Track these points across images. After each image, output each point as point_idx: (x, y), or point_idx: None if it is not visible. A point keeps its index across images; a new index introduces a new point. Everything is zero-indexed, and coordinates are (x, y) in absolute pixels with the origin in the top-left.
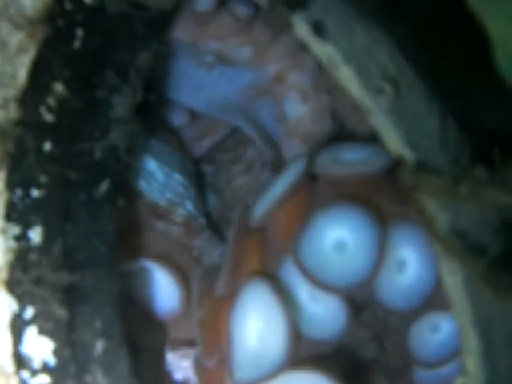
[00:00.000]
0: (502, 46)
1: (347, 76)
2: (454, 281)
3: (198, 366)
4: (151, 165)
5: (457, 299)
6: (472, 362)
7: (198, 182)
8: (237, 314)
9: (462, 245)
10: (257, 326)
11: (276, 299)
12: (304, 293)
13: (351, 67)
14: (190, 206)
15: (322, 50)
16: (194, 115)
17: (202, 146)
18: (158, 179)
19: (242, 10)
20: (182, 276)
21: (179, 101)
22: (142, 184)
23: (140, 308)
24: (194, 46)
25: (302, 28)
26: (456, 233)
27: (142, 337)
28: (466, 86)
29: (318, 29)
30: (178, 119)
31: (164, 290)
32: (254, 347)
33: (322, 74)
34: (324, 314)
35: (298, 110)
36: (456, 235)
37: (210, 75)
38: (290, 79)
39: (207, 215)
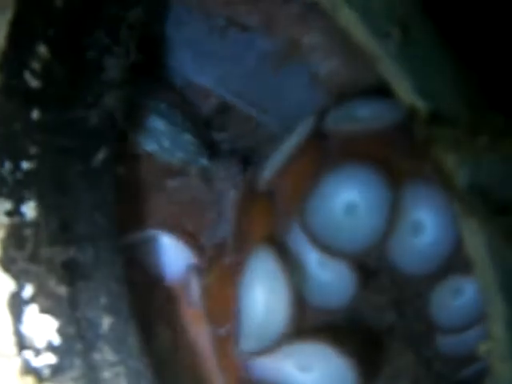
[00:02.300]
0: None
1: (350, 18)
2: (475, 242)
3: (211, 334)
4: (160, 125)
5: (479, 261)
6: (497, 326)
7: (211, 140)
8: (243, 285)
9: (483, 203)
10: (262, 296)
11: (281, 267)
12: (312, 259)
13: (354, 7)
14: (204, 161)
15: None
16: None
17: (211, 104)
18: (169, 140)
19: None
20: (193, 241)
21: (190, 78)
22: (152, 145)
23: (152, 277)
24: (203, 11)
25: None
26: (477, 190)
27: (155, 306)
28: (480, 25)
29: None
30: (177, 79)
31: (175, 257)
32: (259, 317)
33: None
34: (333, 281)
35: (327, 65)
36: (477, 192)
37: (223, 41)
38: (305, 43)
39: (225, 169)
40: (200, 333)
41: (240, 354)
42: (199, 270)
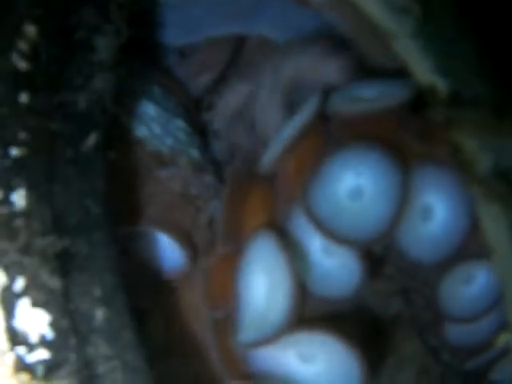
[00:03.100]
0: None
1: None
2: (496, 227)
3: (209, 318)
4: (151, 110)
5: (500, 247)
6: None
7: (202, 129)
8: (243, 272)
9: (505, 187)
10: (262, 285)
11: (283, 254)
12: (315, 246)
13: None
14: (194, 153)
15: None
16: (182, 53)
17: (200, 84)
18: (160, 125)
19: None
20: (184, 232)
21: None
22: (143, 131)
23: (144, 270)
24: None
25: None
26: (499, 174)
27: (148, 300)
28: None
29: None
30: (166, 59)
31: (166, 249)
32: (259, 306)
33: None
34: (337, 269)
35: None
36: (499, 177)
37: None
38: None
39: (214, 162)
40: (195, 324)
41: (239, 345)
42: (192, 261)
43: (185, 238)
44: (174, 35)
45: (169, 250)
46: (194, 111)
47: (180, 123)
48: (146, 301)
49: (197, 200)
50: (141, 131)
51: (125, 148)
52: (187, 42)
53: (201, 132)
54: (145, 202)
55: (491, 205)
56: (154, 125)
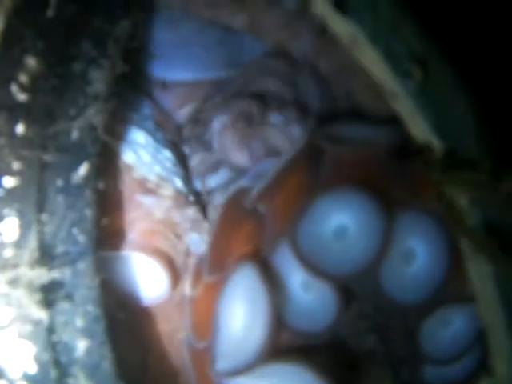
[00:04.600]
0: None
1: (372, 57)
2: (482, 280)
3: (189, 345)
4: (141, 138)
5: (486, 299)
6: (501, 364)
7: (184, 161)
8: (222, 301)
9: (494, 243)
10: (240, 315)
11: (264, 286)
12: (296, 280)
13: (378, 47)
14: (179, 183)
15: (344, 27)
16: (164, 85)
17: (182, 115)
18: (148, 153)
19: None
20: (165, 257)
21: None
22: (132, 157)
23: (123, 297)
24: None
25: (322, 4)
26: (489, 230)
27: (127, 326)
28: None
29: (341, 4)
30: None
31: (146, 277)
32: (235, 337)
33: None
34: (314, 304)
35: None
36: (488, 232)
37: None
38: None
39: (196, 194)
40: (172, 350)
41: (215, 374)
42: (172, 287)
43: (166, 263)
44: (159, 69)
45: (150, 275)
46: (178, 143)
47: (167, 154)
48: (124, 327)
49: (177, 227)
50: (130, 157)
51: (112, 172)
52: (171, 78)
53: (183, 164)
54: (127, 226)
55: (479, 258)
56: (144, 153)
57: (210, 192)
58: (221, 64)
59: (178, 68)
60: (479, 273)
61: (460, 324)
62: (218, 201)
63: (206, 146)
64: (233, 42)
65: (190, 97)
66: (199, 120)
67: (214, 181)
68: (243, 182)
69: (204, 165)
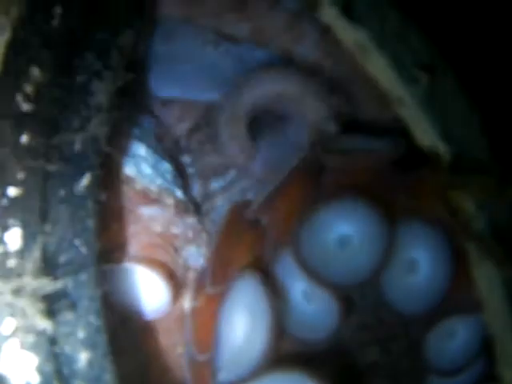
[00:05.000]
0: None
1: (380, 64)
2: (490, 286)
3: (190, 358)
4: (142, 151)
5: (493, 305)
6: (510, 371)
7: (183, 173)
8: (224, 311)
9: (502, 248)
10: (242, 325)
11: (265, 295)
12: (298, 290)
13: (385, 54)
14: (179, 193)
15: (351, 34)
16: (164, 102)
17: (180, 130)
18: (149, 165)
19: None
20: (166, 269)
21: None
22: (133, 170)
23: (124, 310)
24: (190, 23)
25: (329, 10)
26: (496, 235)
27: (127, 339)
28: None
29: (348, 11)
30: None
31: (147, 289)
32: (238, 345)
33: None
34: (315, 313)
35: None
36: (496, 237)
37: (217, 53)
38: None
39: (196, 204)
40: (172, 364)
41: None
42: (173, 300)
43: (167, 276)
44: (158, 87)
45: (151, 288)
46: (177, 156)
47: (167, 166)
48: (125, 340)
49: (176, 240)
50: (131, 170)
51: (114, 184)
52: (169, 95)
53: (182, 175)
54: (128, 239)
55: (486, 264)
56: (145, 165)
57: (214, 195)
58: (219, 84)
59: (176, 87)
60: (486, 279)
61: (465, 335)
62: (221, 204)
63: (215, 149)
64: (234, 54)
65: (188, 111)
66: (208, 123)
67: (218, 184)
68: (248, 186)
69: (210, 168)
